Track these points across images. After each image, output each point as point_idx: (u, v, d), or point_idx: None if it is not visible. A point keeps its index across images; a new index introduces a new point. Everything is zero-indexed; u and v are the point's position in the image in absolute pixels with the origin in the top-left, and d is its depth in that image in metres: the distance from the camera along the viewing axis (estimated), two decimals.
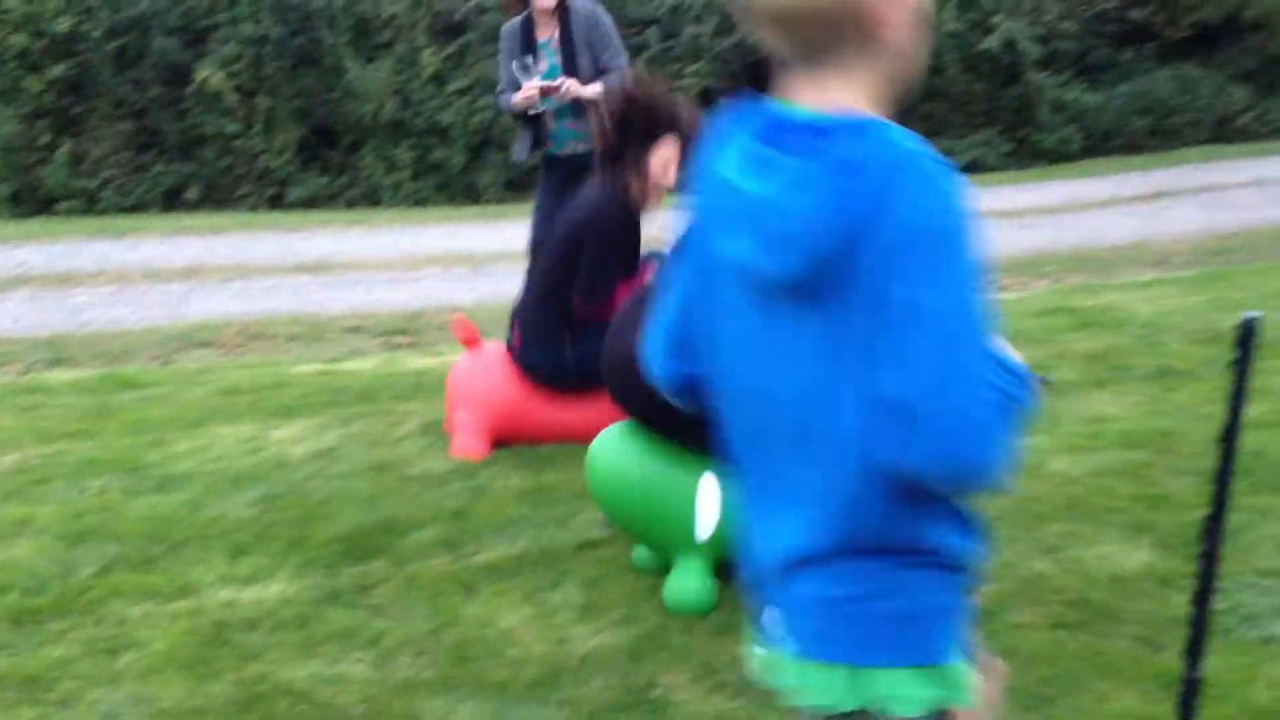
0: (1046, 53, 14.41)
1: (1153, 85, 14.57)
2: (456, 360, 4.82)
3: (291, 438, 4.81)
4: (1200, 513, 3.97)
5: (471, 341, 4.66)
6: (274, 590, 3.54)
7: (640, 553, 3.63)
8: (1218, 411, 5.05)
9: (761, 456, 1.53)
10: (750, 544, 1.62)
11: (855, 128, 1.35)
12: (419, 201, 11.90)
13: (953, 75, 13.66)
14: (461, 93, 11.84)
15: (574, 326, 4.37)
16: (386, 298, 7.99)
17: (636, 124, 4.14)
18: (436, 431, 4.84)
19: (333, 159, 12.01)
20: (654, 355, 1.69)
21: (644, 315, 2.88)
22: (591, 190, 4.34)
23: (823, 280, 1.35)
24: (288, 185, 11.61)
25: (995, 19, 13.84)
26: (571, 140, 5.40)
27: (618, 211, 4.24)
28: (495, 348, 4.66)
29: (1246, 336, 2.51)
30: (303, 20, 11.48)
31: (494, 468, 4.42)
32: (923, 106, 13.61)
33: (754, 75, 2.91)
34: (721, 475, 3.29)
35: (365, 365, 6.11)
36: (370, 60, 11.74)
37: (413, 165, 11.91)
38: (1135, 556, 3.71)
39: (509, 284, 8.27)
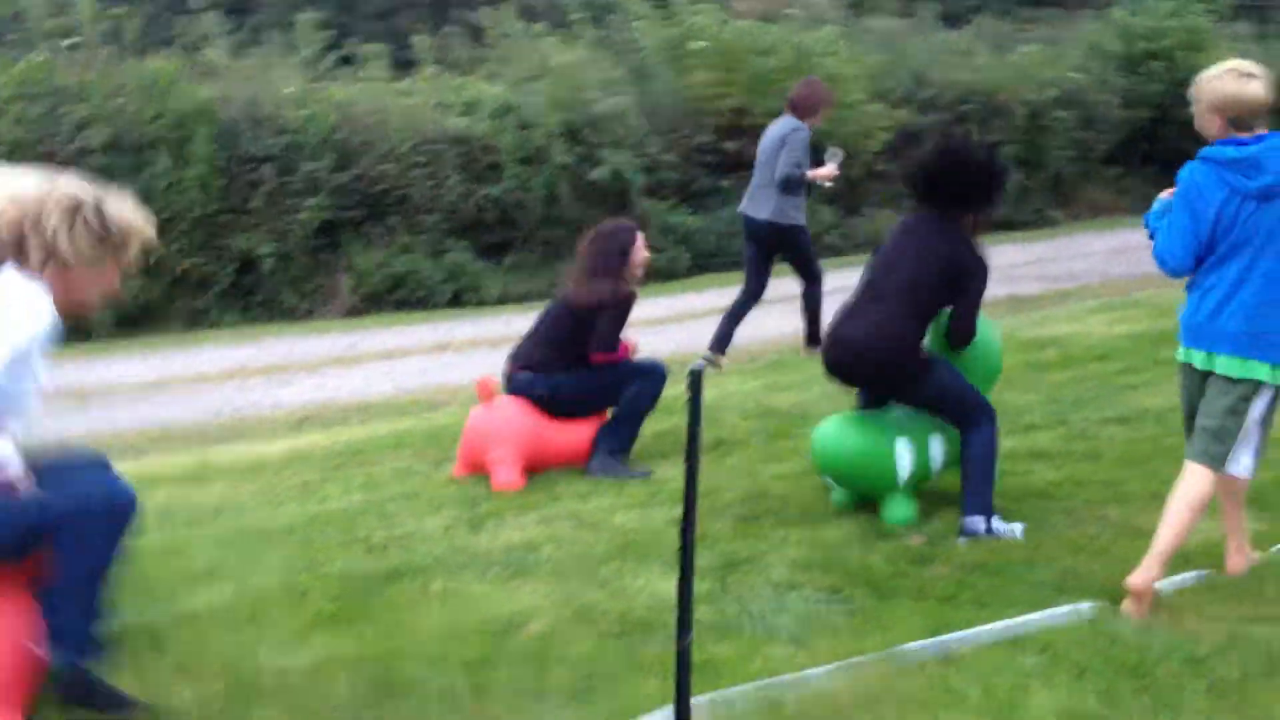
0: (652, 181, 15.56)
1: None
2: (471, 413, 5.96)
3: None
4: (730, 545, 4.74)
5: (488, 397, 5.85)
6: None
7: (838, 494, 5.19)
8: (759, 469, 5.91)
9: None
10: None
11: None
12: None
13: (567, 203, 14.51)
14: None
15: (569, 363, 5.92)
16: None
17: (614, 252, 6.08)
18: None
19: None
20: (1180, 258, 4.03)
21: (853, 318, 4.95)
22: (599, 284, 6.02)
23: None
24: None
25: (602, 152, 14.86)
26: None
27: (627, 295, 6.03)
28: (506, 400, 5.90)
29: (695, 383, 3.24)
30: None
31: None
32: (540, 232, 14.45)
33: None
34: (910, 437, 4.98)
35: None
36: None
37: None
38: (672, 584, 4.36)
39: (117, 414, 8.34)
